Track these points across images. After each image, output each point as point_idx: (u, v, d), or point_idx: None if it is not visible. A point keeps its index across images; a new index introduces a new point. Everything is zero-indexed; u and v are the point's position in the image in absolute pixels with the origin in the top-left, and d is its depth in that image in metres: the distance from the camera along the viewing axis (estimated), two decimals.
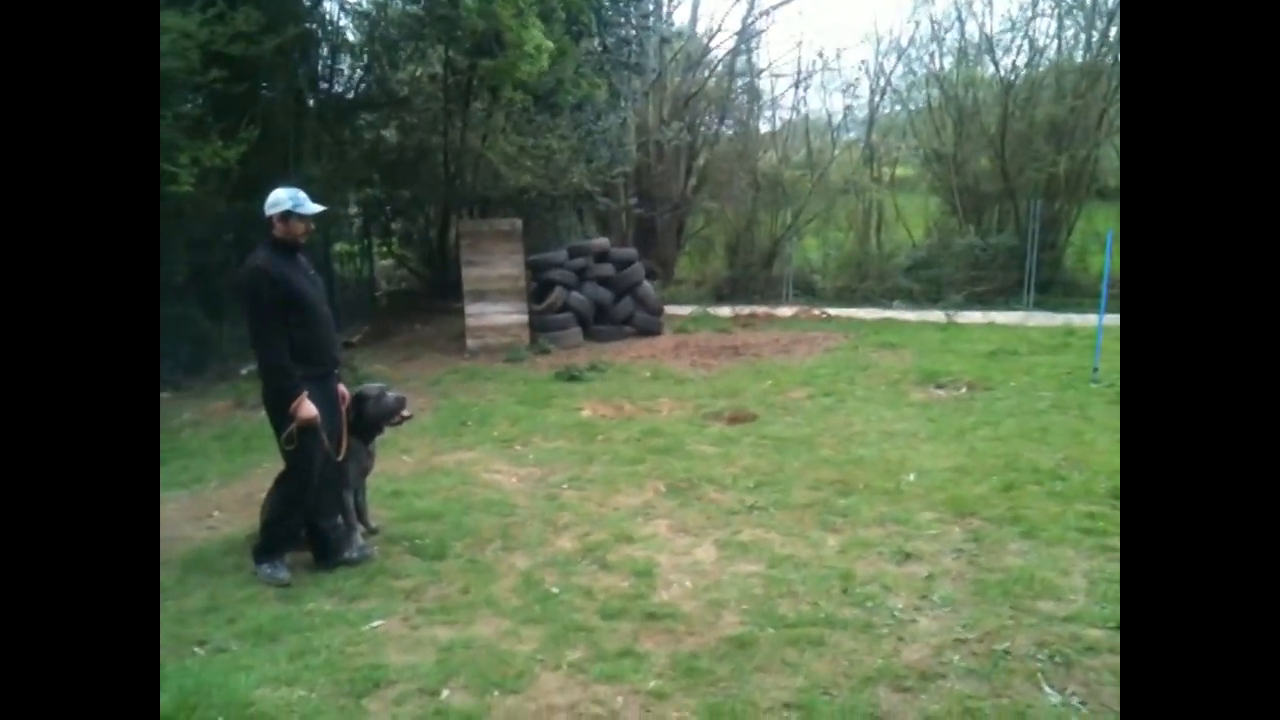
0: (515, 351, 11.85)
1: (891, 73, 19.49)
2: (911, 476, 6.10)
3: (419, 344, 12.61)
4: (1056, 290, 16.12)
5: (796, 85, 21.79)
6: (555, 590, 4.41)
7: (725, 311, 15.15)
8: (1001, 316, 14.39)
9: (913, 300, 16.27)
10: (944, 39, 18.47)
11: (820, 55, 30.23)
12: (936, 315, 14.34)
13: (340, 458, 4.69)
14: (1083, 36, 16.50)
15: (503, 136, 11.96)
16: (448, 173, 12.79)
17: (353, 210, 15.15)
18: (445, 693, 3.44)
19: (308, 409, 4.41)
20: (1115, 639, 3.75)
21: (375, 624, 4.05)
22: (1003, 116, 16.19)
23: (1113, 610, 3.99)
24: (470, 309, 12.22)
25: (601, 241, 13.30)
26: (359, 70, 12.84)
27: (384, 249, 16.91)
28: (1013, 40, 17.55)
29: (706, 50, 19.73)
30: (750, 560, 4.81)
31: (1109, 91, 15.17)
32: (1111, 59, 15.40)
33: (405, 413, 5.13)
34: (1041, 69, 16.67)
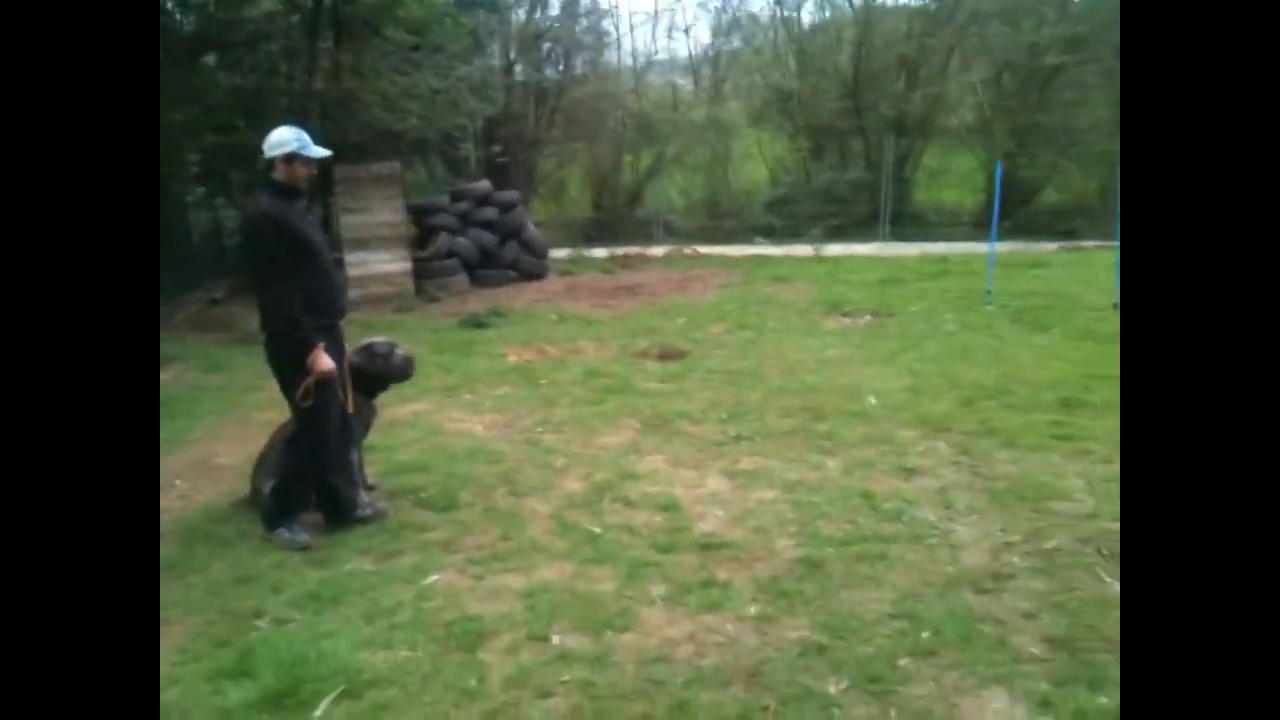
0: (403, 301, 11.41)
1: (734, 14, 19.82)
2: (872, 399, 6.36)
3: None
4: (907, 221, 17.03)
5: (654, 24, 21.67)
6: (597, 530, 4.35)
7: (600, 253, 15.11)
8: (861, 248, 15.10)
9: (774, 236, 16.76)
10: None
11: None
12: (802, 249, 14.84)
13: (351, 410, 4.41)
14: None
15: (380, 78, 11.35)
16: (323, 115, 12.02)
17: (192, 156, 14.03)
18: (555, 638, 3.35)
19: (325, 362, 4.11)
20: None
21: (434, 578, 3.87)
22: (856, 55, 16.76)
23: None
24: (350, 258, 11.61)
25: (484, 184, 12.92)
26: (209, 7, 11.77)
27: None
28: None
29: None
30: (764, 487, 4.89)
31: (953, 32, 15.97)
32: (952, 2, 16.24)
33: (411, 370, 4.89)
34: (888, 7, 17.32)
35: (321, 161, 4.36)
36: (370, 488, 4.88)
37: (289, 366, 4.13)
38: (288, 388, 4.17)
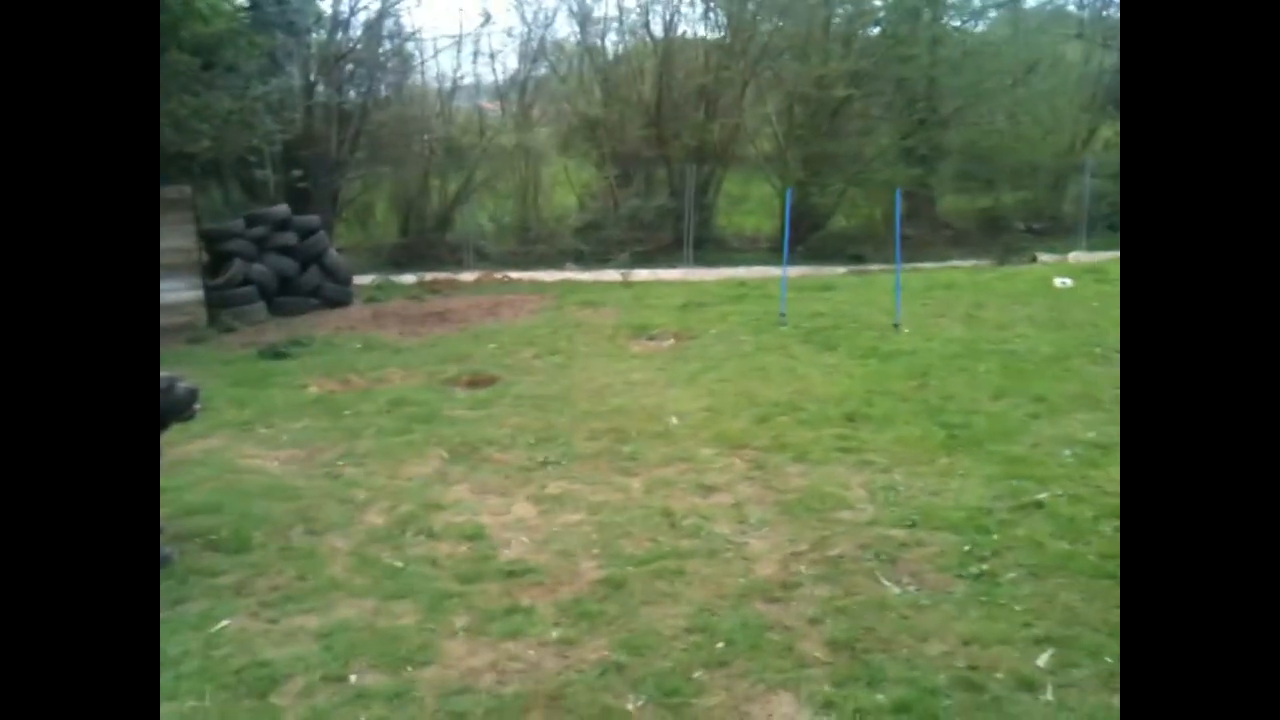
0: (195, 331, 10.79)
1: (540, 40, 19.99)
2: (674, 419, 6.58)
3: None
4: (710, 247, 17.66)
5: (458, 48, 21.47)
6: (399, 564, 4.29)
7: (409, 279, 14.82)
8: (667, 273, 15.53)
9: (584, 261, 16.98)
10: (591, 10, 19.30)
11: (485, 17, 30.04)
12: (611, 274, 15.12)
13: None
14: (721, 14, 18.02)
15: (169, 99, 10.73)
16: None
17: None
18: (353, 677, 3.29)
19: None
20: (914, 535, 4.45)
21: (224, 623, 3.71)
22: (657, 85, 17.28)
23: (901, 513, 4.71)
24: None
25: (282, 209, 12.42)
26: None
27: None
28: (662, 13, 18.73)
29: (354, 10, 18.88)
30: (570, 510, 4.98)
31: (747, 65, 16.77)
32: (745, 37, 17.08)
33: (196, 405, 4.61)
34: (687, 40, 18.01)
35: None
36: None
37: None
38: None
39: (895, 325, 9.56)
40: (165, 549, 4.40)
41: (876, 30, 18.30)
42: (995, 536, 4.37)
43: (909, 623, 3.61)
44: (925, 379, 7.41)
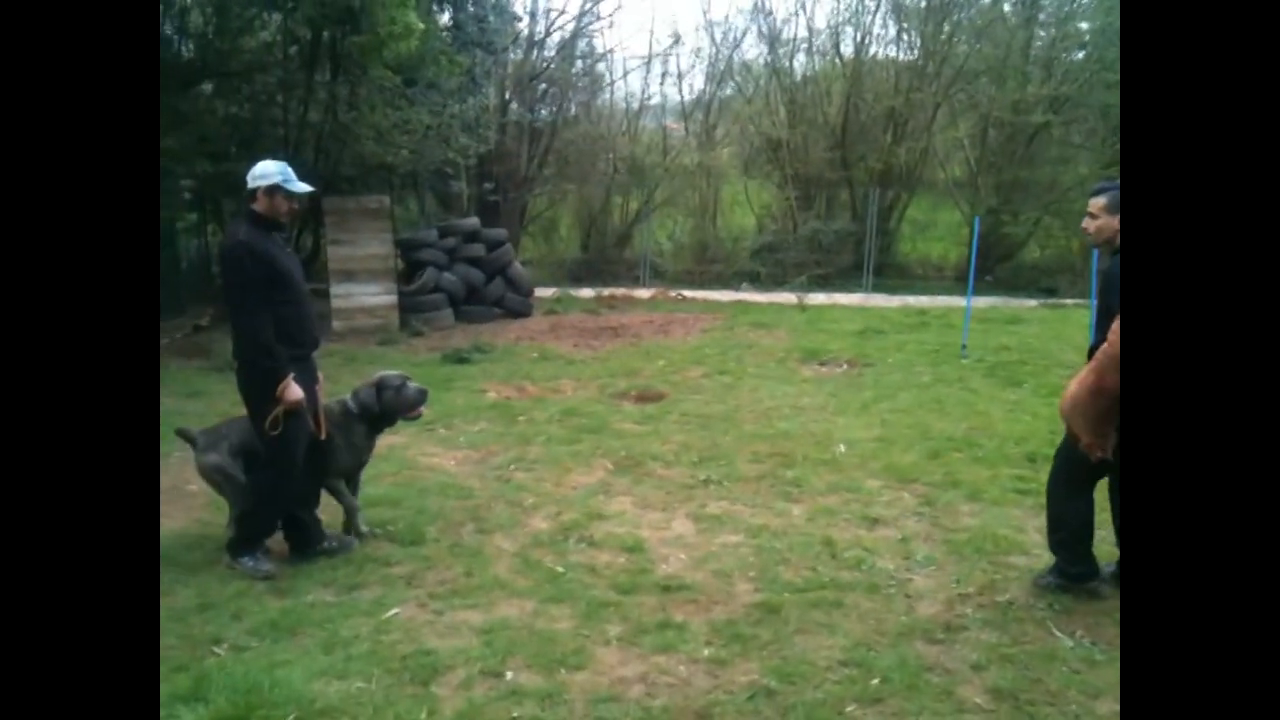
0: (387, 334, 11.48)
1: (728, 61, 20.15)
2: (842, 447, 6.44)
3: None
4: (891, 273, 17.25)
5: (646, 69, 21.99)
6: (560, 569, 4.40)
7: (586, 293, 15.23)
8: (844, 298, 15.25)
9: (760, 283, 16.93)
10: (780, 32, 19.31)
11: (674, 39, 30.81)
12: (786, 297, 14.99)
13: (323, 437, 4.45)
14: (914, 36, 17.61)
15: (374, 112, 11.52)
16: (317, 147, 12.18)
17: (184, 183, 14.16)
18: (509, 674, 3.39)
19: (294, 391, 4.17)
20: (1094, 585, 4.17)
21: (394, 611, 3.91)
22: (844, 107, 17.06)
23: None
24: (336, 290, 11.71)
25: (472, 221, 13.05)
26: (208, 35, 11.95)
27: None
28: (854, 34, 18.52)
29: (549, 31, 19.66)
30: (729, 531, 4.96)
31: (940, 88, 16.30)
32: (939, 59, 16.61)
33: (424, 407, 4.89)
34: (877, 61, 17.69)
35: (308, 195, 4.46)
36: (360, 533, 4.76)
37: (259, 395, 4.19)
38: (257, 417, 4.23)
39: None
40: (346, 536, 4.69)
41: (1081, 54, 17.36)
42: None
43: (1080, 678, 3.39)
44: None
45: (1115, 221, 3.85)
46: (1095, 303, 3.85)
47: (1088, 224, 3.97)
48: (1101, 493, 4.13)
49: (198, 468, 4.62)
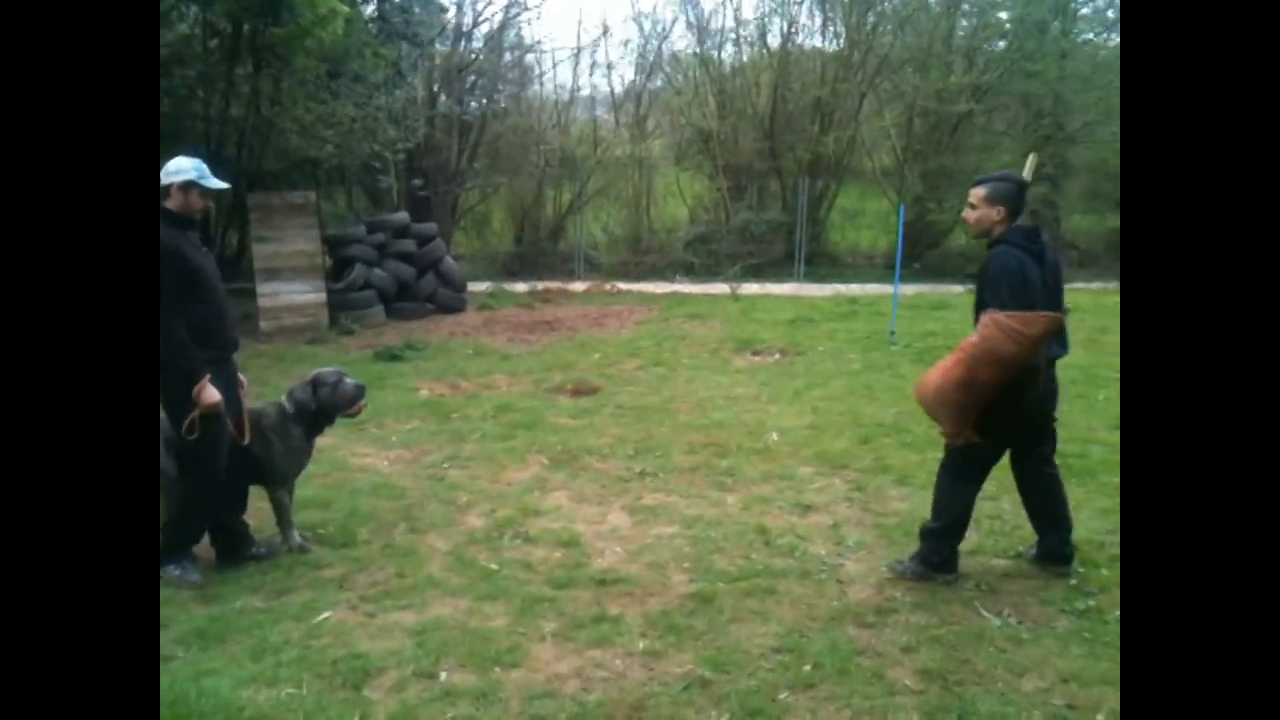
0: (317, 332, 11.27)
1: (657, 52, 20.15)
2: (775, 436, 6.51)
3: None
4: (822, 262, 17.46)
5: (576, 60, 21.85)
6: (494, 567, 4.37)
7: (521, 287, 15.14)
8: (776, 288, 15.41)
9: (693, 274, 17.00)
10: (709, 22, 19.36)
11: (603, 30, 30.73)
12: (720, 288, 15.09)
13: (245, 442, 4.34)
14: (840, 26, 17.82)
15: (298, 105, 11.27)
16: (239, 142, 11.88)
17: None
18: (443, 674, 3.36)
19: (210, 393, 4.04)
20: (1018, 566, 4.29)
21: (325, 615, 3.85)
22: (773, 98, 17.19)
23: (1006, 542, 4.55)
24: (263, 289, 11.44)
25: (402, 216, 12.88)
26: None
27: None
28: (781, 25, 18.66)
29: (477, 22, 19.43)
30: (664, 523, 4.98)
31: (865, 77, 16.52)
32: (864, 49, 16.84)
33: (361, 403, 4.76)
34: (804, 51, 17.86)
35: (229, 190, 4.35)
36: (292, 547, 4.58)
37: (176, 398, 4.07)
38: (175, 420, 4.11)
39: None
40: (275, 540, 4.60)
41: (1002, 44, 17.76)
42: (1105, 572, 4.17)
43: (1007, 656, 3.48)
44: None
45: (994, 212, 3.92)
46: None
47: (968, 214, 4.03)
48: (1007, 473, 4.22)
49: None
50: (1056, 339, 3.94)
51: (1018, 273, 3.74)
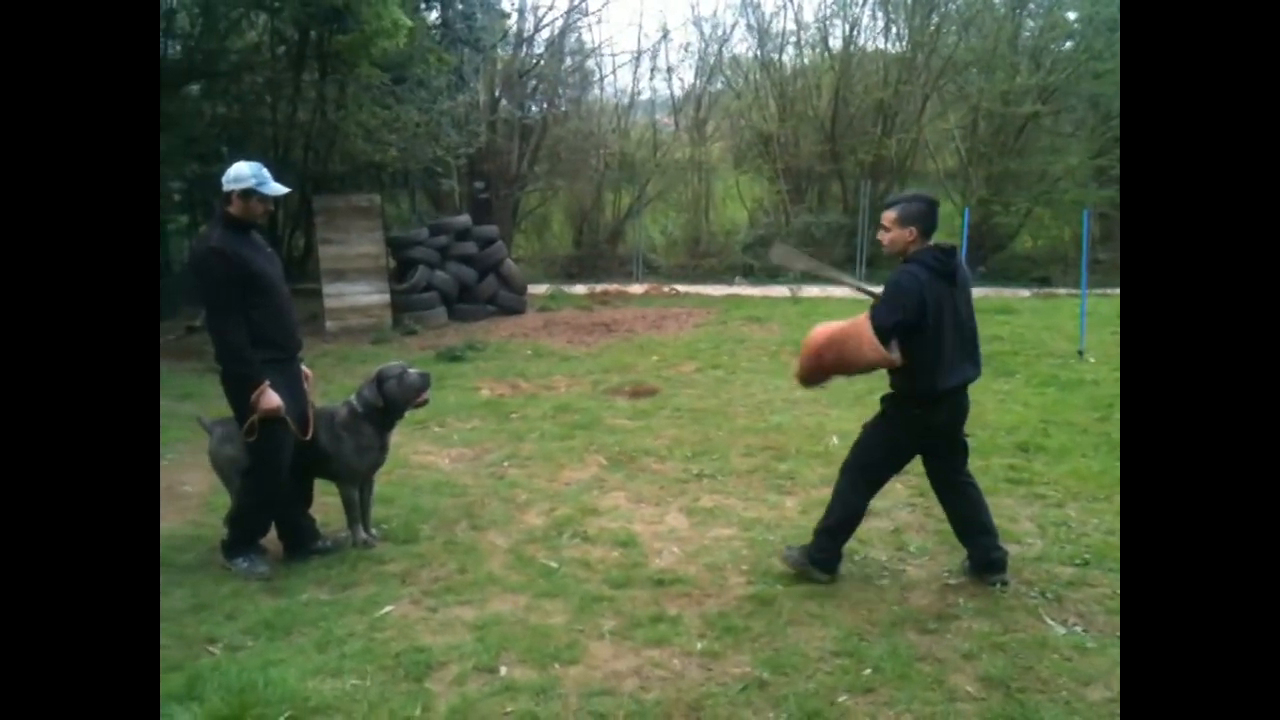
0: (380, 333, 11.48)
1: (718, 56, 20.12)
2: (835, 440, 6.46)
3: None
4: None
5: (636, 64, 21.97)
6: (553, 565, 4.41)
7: (580, 289, 15.24)
8: (837, 291, 15.23)
9: (753, 276, 16.93)
10: (769, 25, 19.28)
11: (663, 33, 30.85)
12: (779, 290, 15.01)
13: (307, 438, 4.43)
14: (903, 27, 17.61)
15: (362, 110, 11.52)
16: (306, 146, 12.16)
17: (174, 185, 14.14)
18: (503, 669, 3.41)
19: (269, 399, 4.12)
20: (1084, 574, 4.20)
21: (388, 609, 3.92)
22: (834, 100, 17.06)
23: (1072, 550, 4.46)
24: (328, 289, 11.69)
25: (464, 219, 13.05)
26: (195, 36, 11.93)
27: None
28: (842, 27, 18.50)
29: (538, 27, 19.61)
30: (722, 525, 4.98)
31: (929, 79, 16.31)
32: (928, 50, 16.62)
33: (427, 393, 4.80)
34: (866, 53, 17.69)
35: (294, 193, 4.45)
36: (366, 539, 4.69)
37: (238, 400, 4.18)
38: (241, 422, 4.22)
39: (1080, 353, 9.06)
40: (341, 535, 4.70)
41: (1069, 44, 17.38)
42: None
43: (1071, 665, 3.41)
44: (1109, 411, 6.98)
45: (907, 234, 3.92)
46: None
47: (882, 235, 4.05)
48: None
49: (210, 457, 4.61)
50: (970, 361, 4.07)
51: (912, 294, 3.78)
